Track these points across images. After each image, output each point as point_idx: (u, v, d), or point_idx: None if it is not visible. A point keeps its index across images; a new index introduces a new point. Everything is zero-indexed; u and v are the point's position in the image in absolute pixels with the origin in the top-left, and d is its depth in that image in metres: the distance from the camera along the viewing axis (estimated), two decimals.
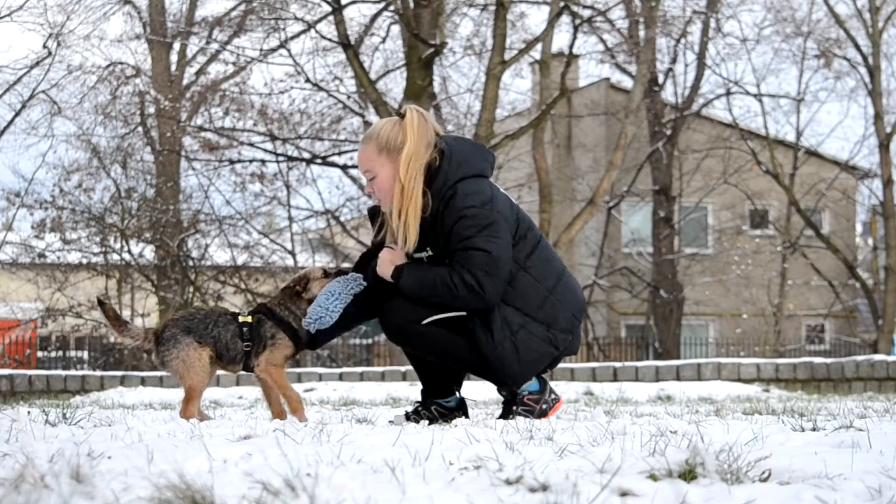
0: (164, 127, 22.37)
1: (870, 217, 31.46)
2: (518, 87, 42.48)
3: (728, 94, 27.24)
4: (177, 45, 23.33)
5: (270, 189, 24.05)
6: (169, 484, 2.11)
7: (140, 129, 23.02)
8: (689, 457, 2.43)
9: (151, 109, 22.78)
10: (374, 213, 4.99)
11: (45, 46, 22.22)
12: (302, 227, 25.90)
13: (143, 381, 12.63)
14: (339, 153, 22.14)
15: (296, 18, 20.95)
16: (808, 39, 27.35)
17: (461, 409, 4.97)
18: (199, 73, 23.45)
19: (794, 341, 30.14)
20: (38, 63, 22.28)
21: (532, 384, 4.81)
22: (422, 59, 18.74)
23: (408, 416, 4.88)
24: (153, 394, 10.72)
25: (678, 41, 26.16)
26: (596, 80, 30.02)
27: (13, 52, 40.08)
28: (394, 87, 23.52)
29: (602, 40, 25.23)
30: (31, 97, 22.48)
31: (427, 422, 4.73)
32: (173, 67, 23.23)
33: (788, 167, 27.42)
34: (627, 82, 26.62)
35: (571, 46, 22.72)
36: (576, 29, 22.24)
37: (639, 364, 12.30)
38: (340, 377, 12.65)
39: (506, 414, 4.83)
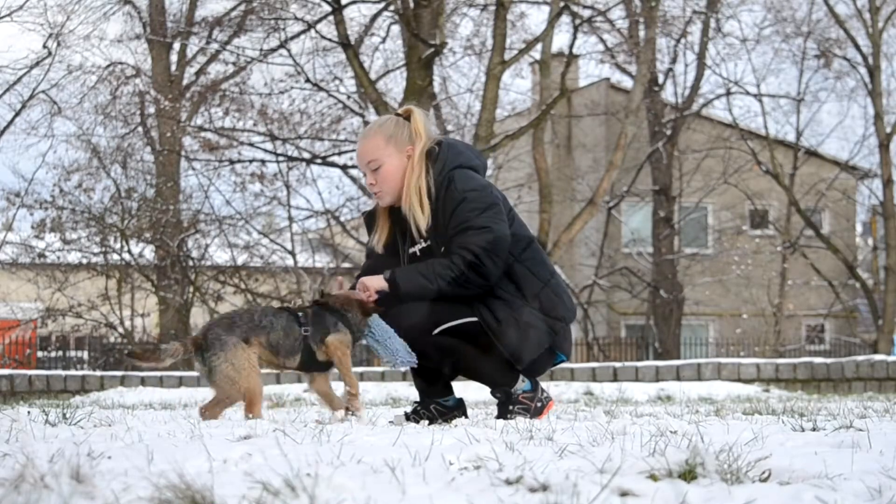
0: (164, 127, 22.36)
1: (870, 217, 31.47)
2: (518, 87, 42.51)
3: (728, 94, 27.25)
4: (177, 45, 23.32)
5: (270, 189, 24.07)
6: (169, 484, 2.11)
7: (140, 129, 23.02)
8: (689, 457, 2.43)
9: (151, 109, 22.78)
10: (370, 218, 5.03)
11: (45, 46, 22.22)
12: (302, 227, 25.92)
13: (143, 381, 12.63)
14: (339, 153, 22.14)
15: (296, 18, 20.94)
16: (808, 39, 27.36)
17: (459, 408, 4.98)
18: (199, 73, 23.45)
19: (794, 341, 30.14)
20: (38, 63, 22.29)
21: (525, 384, 4.86)
22: (422, 59, 18.74)
23: (407, 417, 4.89)
24: (153, 394, 10.72)
25: (678, 41, 26.17)
26: (596, 80, 30.02)
27: (13, 52, 40.03)
28: (394, 87, 23.53)
29: (602, 40, 25.24)
30: (31, 97, 22.48)
31: (427, 421, 4.74)
32: (173, 67, 23.23)
33: (788, 167, 27.42)
34: (627, 82, 26.62)
35: (571, 46, 22.73)
36: (576, 29, 22.25)
37: (639, 364, 12.30)
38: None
39: (502, 414, 4.86)
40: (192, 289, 21.52)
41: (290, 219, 24.35)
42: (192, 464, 2.63)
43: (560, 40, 24.47)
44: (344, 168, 22.22)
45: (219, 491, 2.12)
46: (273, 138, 22.40)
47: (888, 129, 26.39)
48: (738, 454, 2.53)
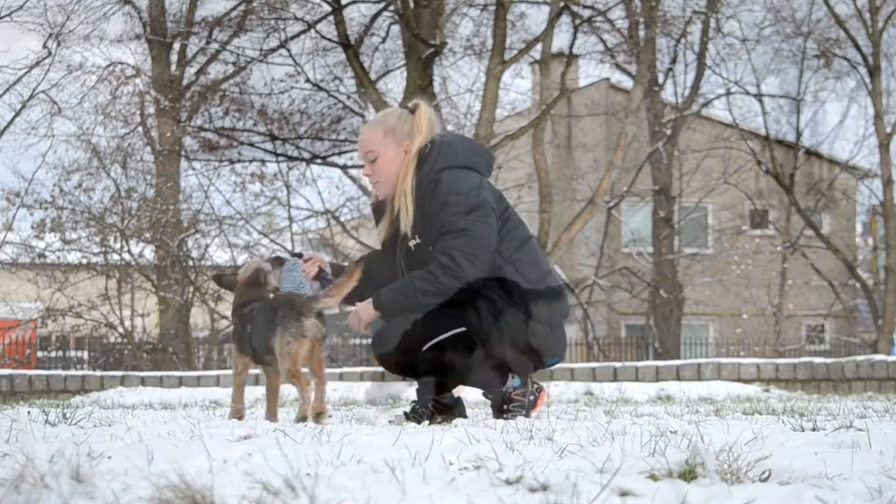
0: (164, 127, 22.36)
1: (870, 217, 31.47)
2: (518, 87, 42.49)
3: (728, 94, 27.25)
4: (177, 45, 23.32)
5: (270, 189, 24.07)
6: (169, 484, 2.11)
7: (140, 129, 23.01)
8: (689, 457, 2.43)
9: (151, 109, 22.78)
10: (377, 210, 5.04)
11: (45, 46, 22.22)
12: (302, 227, 25.91)
13: (143, 381, 12.63)
14: (339, 153, 22.14)
15: (296, 18, 20.94)
16: (808, 39, 27.35)
17: (458, 406, 4.99)
18: (199, 73, 23.44)
19: (794, 341, 30.14)
20: (38, 63, 22.29)
21: (515, 381, 4.87)
22: (422, 59, 18.73)
23: (407, 416, 4.90)
24: (153, 394, 10.72)
25: (678, 41, 26.16)
26: (596, 80, 30.02)
27: (13, 52, 40.03)
28: (394, 87, 23.52)
29: (602, 40, 25.23)
30: (31, 97, 22.48)
31: (426, 420, 4.75)
32: (173, 67, 23.23)
33: (788, 167, 27.43)
34: (627, 82, 26.62)
35: (571, 46, 22.73)
36: (576, 29, 22.25)
37: (639, 364, 12.29)
38: (340, 377, 12.64)
39: (497, 414, 4.87)
40: (192, 289, 21.52)
41: (290, 219, 24.35)
42: (192, 464, 2.63)
43: (560, 40, 24.48)
44: (344, 168, 22.21)
45: (219, 491, 2.12)
46: (273, 138, 22.40)
47: (888, 129, 26.38)
48: (738, 454, 2.53)
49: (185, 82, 23.32)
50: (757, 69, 27.58)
